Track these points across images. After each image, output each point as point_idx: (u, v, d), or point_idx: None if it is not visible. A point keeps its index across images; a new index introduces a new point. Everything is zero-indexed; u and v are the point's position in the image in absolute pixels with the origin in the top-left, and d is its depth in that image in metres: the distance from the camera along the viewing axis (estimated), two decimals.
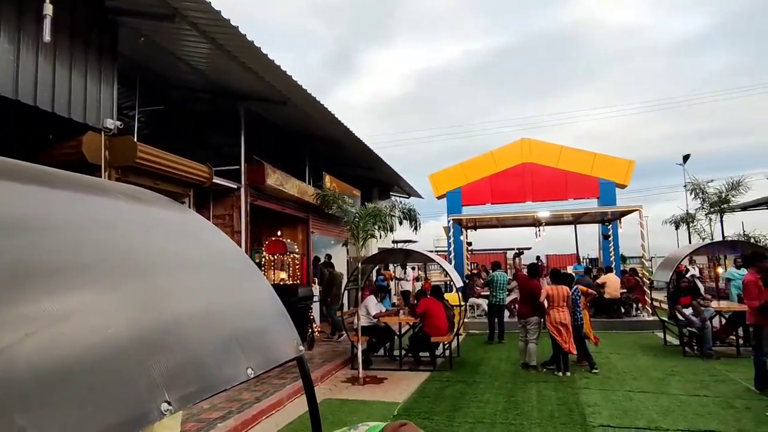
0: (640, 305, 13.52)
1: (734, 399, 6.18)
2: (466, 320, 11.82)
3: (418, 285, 17.62)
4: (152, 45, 7.74)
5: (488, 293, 11.66)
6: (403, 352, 9.08)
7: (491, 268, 12.50)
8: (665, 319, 10.33)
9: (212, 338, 1.23)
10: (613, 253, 17.20)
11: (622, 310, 13.41)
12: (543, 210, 16.19)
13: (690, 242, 14.84)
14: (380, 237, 9.09)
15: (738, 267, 11.66)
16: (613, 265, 16.27)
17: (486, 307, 12.45)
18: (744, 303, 7.45)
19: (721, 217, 13.23)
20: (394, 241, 19.96)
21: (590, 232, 21.58)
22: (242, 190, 10.15)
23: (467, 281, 14.08)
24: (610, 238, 17.28)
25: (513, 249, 22.56)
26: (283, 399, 6.49)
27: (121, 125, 7.00)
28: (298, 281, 11.53)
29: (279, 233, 12.22)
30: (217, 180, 9.23)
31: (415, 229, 9.88)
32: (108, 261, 1.09)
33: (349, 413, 6.06)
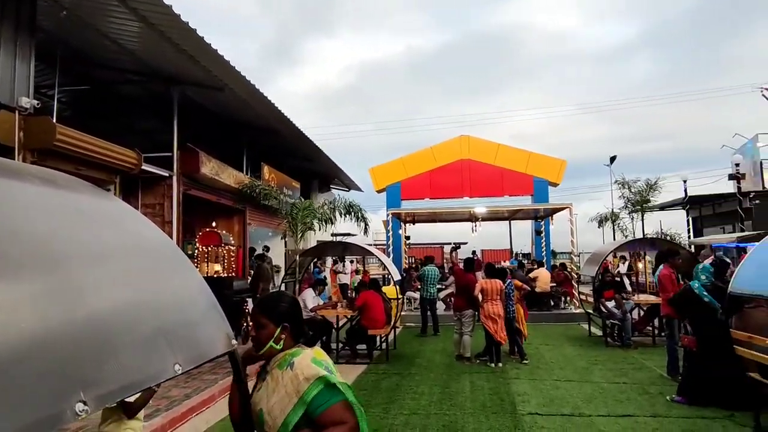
0: (568, 298, 14.21)
1: (649, 385, 6.64)
2: (403, 313, 11.97)
3: (358, 278, 17.65)
4: (75, 19, 7.22)
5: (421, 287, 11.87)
6: (341, 345, 9.07)
7: (423, 263, 12.71)
8: (590, 311, 10.93)
9: (135, 333, 1.15)
10: (544, 248, 18.00)
11: (552, 303, 14.06)
12: (480, 206, 16.67)
13: (614, 239, 15.78)
14: (319, 229, 9.01)
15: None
16: (544, 260, 17.00)
17: None
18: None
19: (642, 216, 14.17)
20: (333, 234, 19.88)
21: (523, 229, 22.47)
22: (174, 178, 9.71)
23: (405, 275, 14.26)
24: (542, 234, 18.07)
25: (450, 243, 23.10)
26: (215, 395, 6.28)
27: (38, 104, 6.50)
28: (233, 274, 11.19)
29: (214, 224, 11.80)
30: (146, 167, 8.76)
31: (365, 230, 9.73)
32: (13, 251, 0.99)
33: None
